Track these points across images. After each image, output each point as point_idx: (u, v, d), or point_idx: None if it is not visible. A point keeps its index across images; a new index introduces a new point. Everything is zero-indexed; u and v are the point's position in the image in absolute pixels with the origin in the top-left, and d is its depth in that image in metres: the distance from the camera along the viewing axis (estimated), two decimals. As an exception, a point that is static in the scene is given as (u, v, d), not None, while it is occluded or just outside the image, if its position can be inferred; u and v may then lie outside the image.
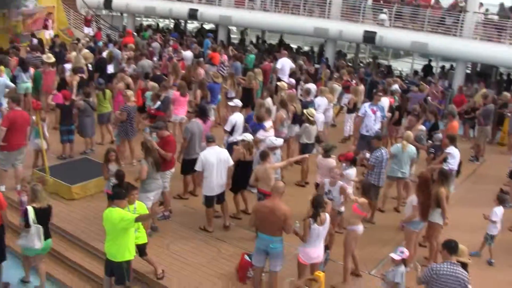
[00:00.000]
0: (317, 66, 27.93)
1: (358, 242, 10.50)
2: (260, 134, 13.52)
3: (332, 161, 12.14)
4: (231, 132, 14.24)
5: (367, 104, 16.43)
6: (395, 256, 8.74)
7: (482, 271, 11.36)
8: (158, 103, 15.54)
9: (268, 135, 13.58)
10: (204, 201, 11.96)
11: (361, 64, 33.47)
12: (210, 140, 11.87)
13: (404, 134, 14.16)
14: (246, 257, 10.23)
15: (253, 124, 14.08)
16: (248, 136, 12.76)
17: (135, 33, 31.57)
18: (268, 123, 14.14)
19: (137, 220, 8.92)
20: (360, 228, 10.24)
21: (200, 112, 13.96)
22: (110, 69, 21.50)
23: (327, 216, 9.35)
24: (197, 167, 11.69)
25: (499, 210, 11.95)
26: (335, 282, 10.31)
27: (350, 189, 11.50)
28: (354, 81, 21.38)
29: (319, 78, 24.41)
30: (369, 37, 27.43)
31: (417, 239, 11.44)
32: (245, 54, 25.97)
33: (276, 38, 39.84)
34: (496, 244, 12.17)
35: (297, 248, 9.62)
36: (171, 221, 12.42)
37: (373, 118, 15.91)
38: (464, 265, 8.16)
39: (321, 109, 17.27)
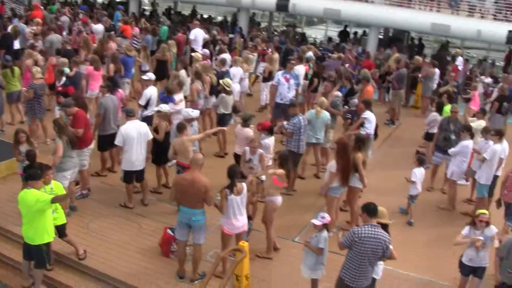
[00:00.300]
0: (231, 36, 27.77)
1: (281, 210, 10.58)
2: (170, 107, 13.32)
3: (249, 130, 12.11)
4: (145, 106, 13.98)
5: (280, 73, 16.52)
6: (316, 222, 8.80)
7: (403, 232, 11.76)
8: (64, 79, 14.94)
9: (178, 108, 13.44)
10: (123, 177, 11.75)
11: (275, 33, 33.50)
12: (130, 115, 11.65)
13: (318, 100, 14.29)
14: (169, 231, 10.15)
15: (163, 97, 13.91)
16: (164, 107, 12.58)
17: (41, 7, 30.33)
18: (178, 96, 13.97)
19: (53, 201, 8.65)
20: (278, 199, 10.30)
21: (112, 85, 13.62)
22: (17, 45, 20.61)
23: (244, 185, 9.36)
24: (117, 142, 11.44)
25: (418, 171, 12.31)
26: (259, 251, 10.39)
27: (269, 159, 11.55)
28: (269, 50, 21.38)
29: (234, 48, 24.29)
30: (282, 5, 27.50)
31: (338, 204, 11.63)
32: (158, 26, 25.48)
33: (188, 9, 39.32)
34: (416, 205, 12.60)
35: (220, 219, 9.59)
36: (90, 199, 12.12)
37: (287, 86, 16.02)
38: (384, 227, 8.28)
39: (237, 79, 17.20)
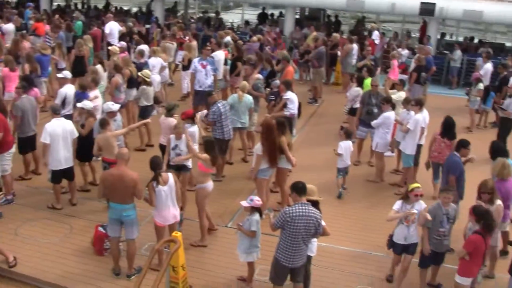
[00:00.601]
0: (148, 26, 27.35)
1: (212, 196, 10.56)
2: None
3: (173, 120, 11.97)
4: (62, 105, 13.58)
5: (196, 60, 16.38)
6: (244, 204, 8.85)
7: (334, 208, 12.07)
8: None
9: (94, 105, 13.16)
10: (51, 178, 11.47)
11: (192, 20, 33.21)
12: (57, 112, 11.43)
13: (240, 84, 14.30)
14: (100, 229, 9.97)
15: (77, 93, 13.54)
16: (88, 104, 12.30)
17: None
18: (93, 93, 13.62)
19: (-25, 209, 8.36)
20: (209, 185, 10.26)
21: (28, 84, 13.20)
22: None
23: (170, 175, 9.30)
24: (43, 139, 11.07)
25: (343, 144, 12.55)
26: (193, 240, 10.36)
27: (195, 146, 11.47)
28: (187, 38, 21.20)
29: (152, 38, 23.98)
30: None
31: (268, 185, 11.68)
32: (72, 22, 24.80)
33: (103, 2, 38.45)
34: (346, 179, 12.97)
35: (152, 212, 9.49)
36: (16, 204, 11.73)
37: (204, 72, 15.93)
38: (315, 204, 8.35)
39: (156, 69, 16.99)
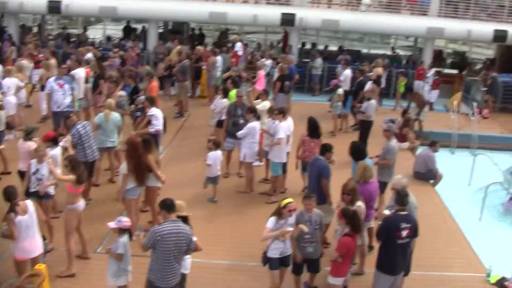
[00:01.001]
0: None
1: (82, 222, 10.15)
2: None
3: (32, 144, 11.36)
4: None
5: (52, 79, 15.66)
6: (112, 225, 8.56)
7: (207, 222, 12.01)
8: None
9: None
10: None
11: (50, 36, 31.92)
12: None
13: (106, 102, 13.88)
14: None
15: None
16: None
17: None
18: None
19: None
20: (80, 205, 9.89)
21: None
22: None
23: (29, 202, 8.81)
24: None
25: (212, 154, 12.68)
26: (59, 271, 9.77)
27: (58, 170, 10.93)
28: (41, 55, 20.28)
29: (6, 57, 22.80)
30: (53, 7, 26.12)
31: (138, 205, 11.36)
32: None
33: None
34: (217, 192, 13.06)
35: (10, 245, 8.86)
36: None
37: (61, 92, 15.33)
38: (185, 219, 8.29)
39: (12, 90, 16.04)
